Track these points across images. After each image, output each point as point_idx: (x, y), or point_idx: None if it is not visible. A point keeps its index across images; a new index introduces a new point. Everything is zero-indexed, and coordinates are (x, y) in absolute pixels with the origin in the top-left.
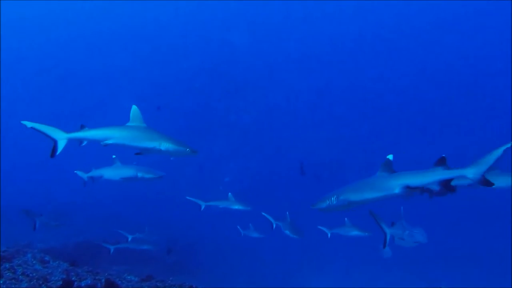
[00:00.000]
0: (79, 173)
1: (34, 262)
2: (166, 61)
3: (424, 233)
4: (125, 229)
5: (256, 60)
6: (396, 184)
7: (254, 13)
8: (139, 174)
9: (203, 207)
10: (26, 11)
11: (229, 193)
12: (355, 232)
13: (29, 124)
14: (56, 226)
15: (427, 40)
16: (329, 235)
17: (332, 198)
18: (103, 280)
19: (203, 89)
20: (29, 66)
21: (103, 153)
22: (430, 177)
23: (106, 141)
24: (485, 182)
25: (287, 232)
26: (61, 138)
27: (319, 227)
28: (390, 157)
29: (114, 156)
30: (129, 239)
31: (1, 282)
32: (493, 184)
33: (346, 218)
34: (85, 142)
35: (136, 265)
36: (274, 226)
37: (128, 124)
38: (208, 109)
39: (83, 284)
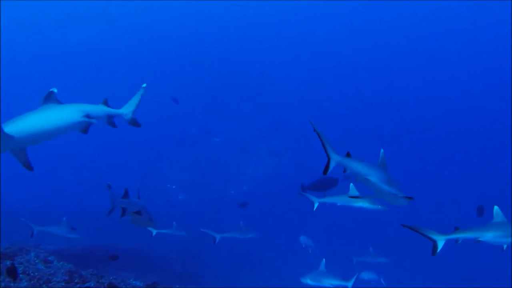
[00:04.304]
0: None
1: (36, 261)
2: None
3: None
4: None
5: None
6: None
7: None
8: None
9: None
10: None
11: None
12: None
13: (317, 129)
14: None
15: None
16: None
17: None
18: (106, 284)
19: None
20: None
21: None
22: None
23: (366, 177)
24: (133, 121)
25: None
26: (334, 158)
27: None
28: (54, 90)
29: None
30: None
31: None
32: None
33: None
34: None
35: (145, 272)
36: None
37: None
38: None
39: (85, 286)
